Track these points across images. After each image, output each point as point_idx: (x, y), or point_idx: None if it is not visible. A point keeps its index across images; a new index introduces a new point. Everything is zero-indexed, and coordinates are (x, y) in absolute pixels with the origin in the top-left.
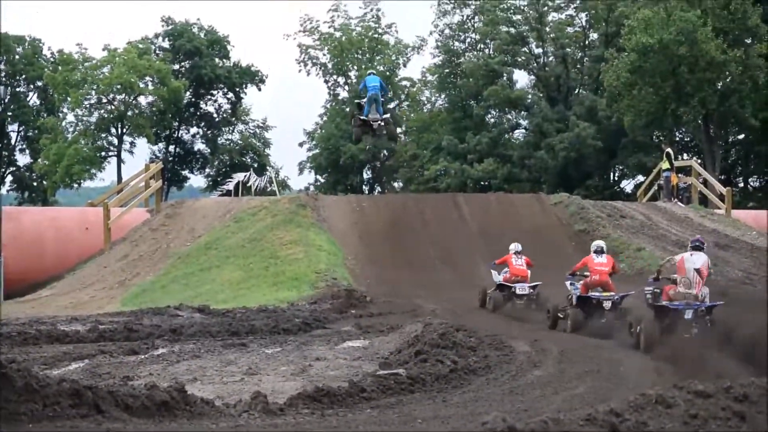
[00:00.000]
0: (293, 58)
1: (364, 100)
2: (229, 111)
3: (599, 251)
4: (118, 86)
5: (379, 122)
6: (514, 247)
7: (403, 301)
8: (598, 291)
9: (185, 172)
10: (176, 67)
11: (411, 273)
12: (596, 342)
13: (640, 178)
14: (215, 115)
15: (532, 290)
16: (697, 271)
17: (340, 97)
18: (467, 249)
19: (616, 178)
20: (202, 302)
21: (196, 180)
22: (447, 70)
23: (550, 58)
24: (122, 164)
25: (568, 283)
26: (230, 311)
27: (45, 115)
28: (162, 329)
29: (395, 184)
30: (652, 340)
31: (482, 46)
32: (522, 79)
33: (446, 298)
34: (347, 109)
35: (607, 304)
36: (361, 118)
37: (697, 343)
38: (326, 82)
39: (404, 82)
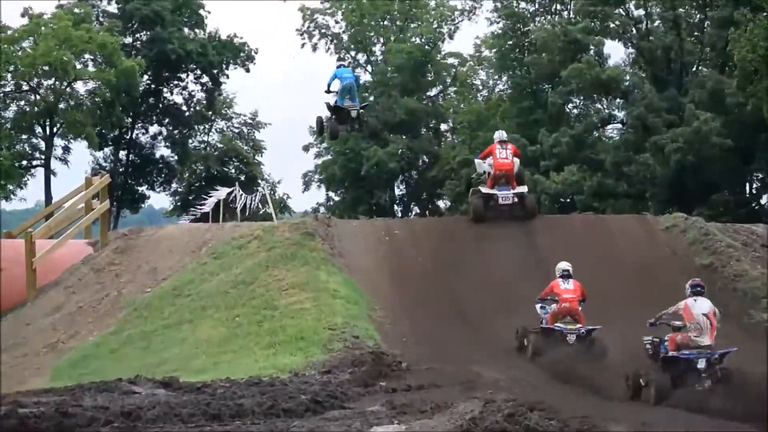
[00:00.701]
0: (294, 27)
1: (332, 96)
2: (205, 102)
3: (566, 276)
4: (45, 67)
5: (358, 109)
6: (563, 267)
7: (454, 369)
8: (566, 321)
9: (143, 189)
10: (128, 40)
11: (464, 328)
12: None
13: None
14: (185, 108)
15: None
16: (706, 316)
17: (360, 81)
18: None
19: (754, 191)
20: (167, 373)
21: (159, 199)
22: (510, 43)
23: (656, 23)
24: (52, 178)
25: (538, 306)
26: (208, 385)
27: None
28: (110, 413)
29: (439, 203)
30: (664, 393)
31: (559, 7)
32: (616, 52)
33: (514, 364)
34: (371, 98)
35: (571, 338)
36: (335, 106)
37: (714, 395)
38: (340, 59)
39: (450, 60)
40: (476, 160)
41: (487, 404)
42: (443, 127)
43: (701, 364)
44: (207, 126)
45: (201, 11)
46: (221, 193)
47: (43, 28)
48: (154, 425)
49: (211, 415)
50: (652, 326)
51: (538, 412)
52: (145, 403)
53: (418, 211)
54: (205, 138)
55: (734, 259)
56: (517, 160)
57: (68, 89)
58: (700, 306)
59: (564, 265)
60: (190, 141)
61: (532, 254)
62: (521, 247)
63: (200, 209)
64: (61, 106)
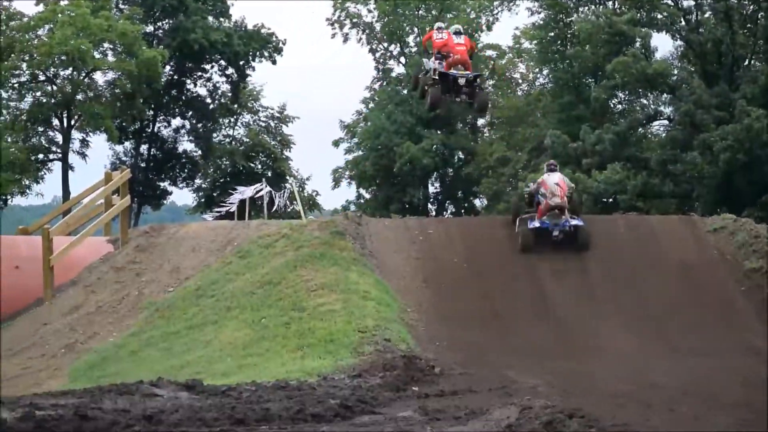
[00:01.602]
0: (324, 16)
1: (432, 59)
2: (230, 95)
3: (458, 32)
4: (63, 57)
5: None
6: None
7: (489, 374)
8: (457, 69)
9: (165, 185)
10: (150, 29)
11: (500, 332)
12: None
13: None
14: (209, 101)
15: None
16: (557, 184)
17: (393, 74)
18: (582, 297)
19: None
20: (191, 376)
21: (181, 196)
22: (552, 34)
23: (707, 14)
24: (70, 172)
25: (432, 59)
26: (233, 389)
27: None
28: (131, 416)
29: (476, 202)
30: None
31: None
32: (664, 45)
33: (552, 369)
34: (404, 92)
35: (462, 81)
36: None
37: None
38: (372, 51)
39: (489, 53)
40: (424, 59)
41: (524, 411)
42: (480, 122)
43: (555, 232)
44: (232, 119)
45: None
46: (247, 190)
47: (60, 15)
48: (177, 429)
49: (236, 419)
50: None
51: (577, 420)
52: (168, 406)
53: (453, 210)
54: (231, 132)
55: None
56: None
57: (87, 80)
58: (553, 178)
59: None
60: (214, 135)
61: (571, 256)
62: (560, 249)
63: (225, 207)
64: (79, 97)
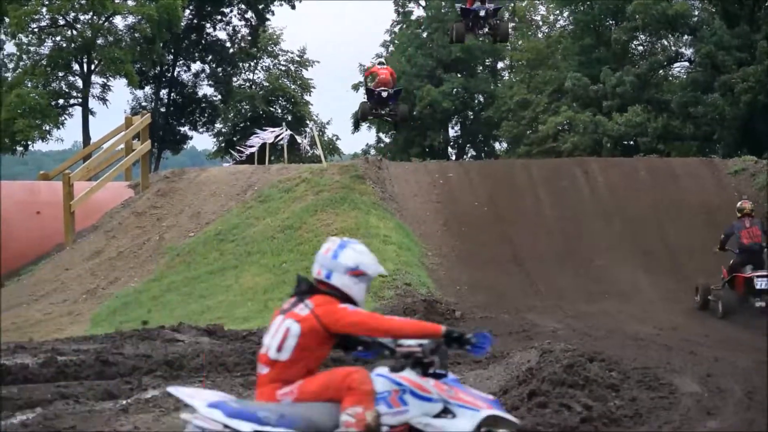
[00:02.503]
0: None
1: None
2: (250, 39)
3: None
4: (82, 1)
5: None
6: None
7: (510, 318)
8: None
9: (185, 129)
10: None
11: (520, 276)
12: None
13: None
14: (228, 45)
15: None
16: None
17: (413, 17)
18: (603, 240)
19: None
20: (211, 321)
21: (202, 140)
22: None
23: None
24: (90, 117)
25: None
26: (253, 333)
27: None
28: (153, 361)
29: (496, 145)
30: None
31: None
32: None
33: (573, 313)
34: (424, 34)
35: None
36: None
37: None
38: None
39: None
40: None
41: (545, 354)
42: (500, 65)
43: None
44: (252, 64)
45: None
46: (267, 134)
47: None
48: (199, 374)
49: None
50: None
51: (597, 363)
52: (189, 351)
53: (474, 153)
54: (251, 76)
55: None
56: None
57: (106, 24)
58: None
59: None
60: (234, 79)
61: (591, 198)
62: (580, 191)
63: (246, 151)
64: (99, 42)
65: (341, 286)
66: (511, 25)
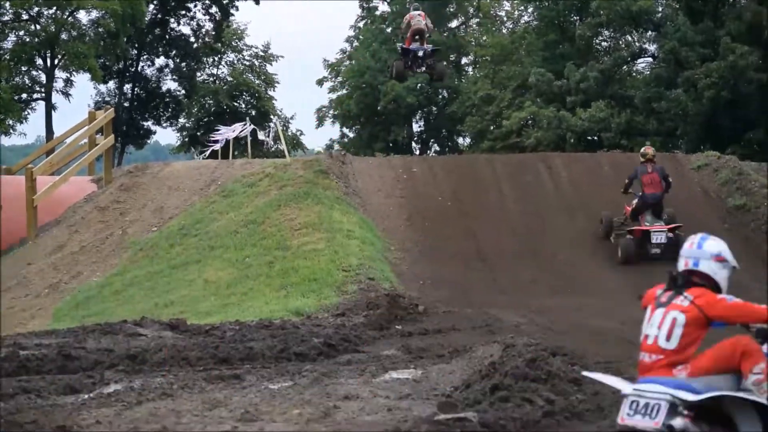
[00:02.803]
0: None
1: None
2: (214, 33)
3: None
4: None
5: (426, 50)
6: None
7: (473, 312)
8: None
9: (148, 124)
10: None
11: (484, 270)
12: None
13: None
14: (192, 40)
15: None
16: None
17: (377, 12)
18: (567, 235)
19: None
20: (174, 315)
21: (165, 135)
22: None
23: None
24: (53, 112)
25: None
26: (216, 328)
27: None
28: (115, 356)
29: (460, 140)
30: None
31: None
32: None
33: (536, 308)
34: (388, 30)
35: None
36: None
37: None
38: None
39: None
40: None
41: (508, 348)
42: (464, 60)
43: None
44: (216, 58)
45: None
46: (230, 129)
47: None
48: (161, 368)
49: (219, 358)
50: None
51: (560, 357)
52: (152, 345)
53: (438, 148)
54: (214, 71)
55: None
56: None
57: (70, 19)
58: None
59: None
60: (198, 74)
61: (556, 193)
62: (544, 186)
63: (211, 147)
64: (63, 36)
65: (709, 271)
66: (475, 20)
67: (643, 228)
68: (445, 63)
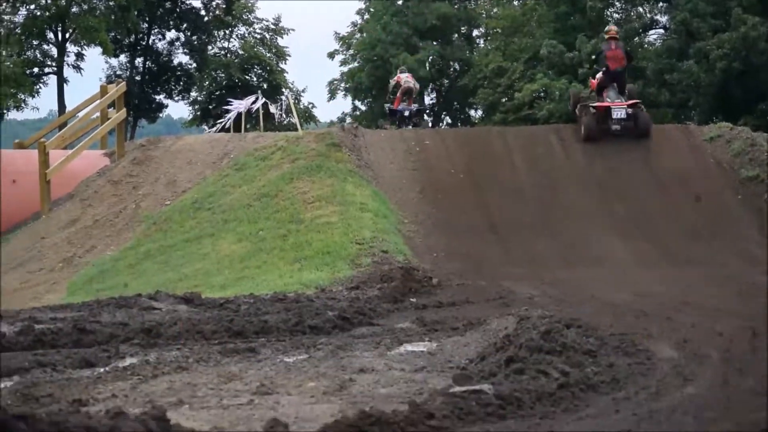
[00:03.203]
0: None
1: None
2: (224, 6)
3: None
4: None
5: (411, 110)
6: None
7: (487, 285)
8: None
9: (160, 98)
10: None
11: (497, 243)
12: None
13: None
14: (203, 13)
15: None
16: None
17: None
18: (579, 207)
19: None
20: (188, 288)
21: (177, 109)
22: None
23: None
24: (65, 86)
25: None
26: (231, 301)
27: None
28: (130, 329)
29: (472, 113)
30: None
31: None
32: None
33: (550, 280)
34: (399, 2)
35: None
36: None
37: None
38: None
39: None
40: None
41: (522, 321)
42: (476, 33)
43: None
44: (227, 32)
45: None
46: (242, 102)
47: None
48: (176, 342)
49: (234, 331)
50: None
51: (575, 329)
52: (166, 319)
53: (450, 121)
54: (226, 44)
55: None
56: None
57: None
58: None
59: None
60: (209, 47)
61: (568, 165)
62: (557, 158)
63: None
64: (74, 10)
65: None
66: None
67: (605, 104)
68: (427, 119)
